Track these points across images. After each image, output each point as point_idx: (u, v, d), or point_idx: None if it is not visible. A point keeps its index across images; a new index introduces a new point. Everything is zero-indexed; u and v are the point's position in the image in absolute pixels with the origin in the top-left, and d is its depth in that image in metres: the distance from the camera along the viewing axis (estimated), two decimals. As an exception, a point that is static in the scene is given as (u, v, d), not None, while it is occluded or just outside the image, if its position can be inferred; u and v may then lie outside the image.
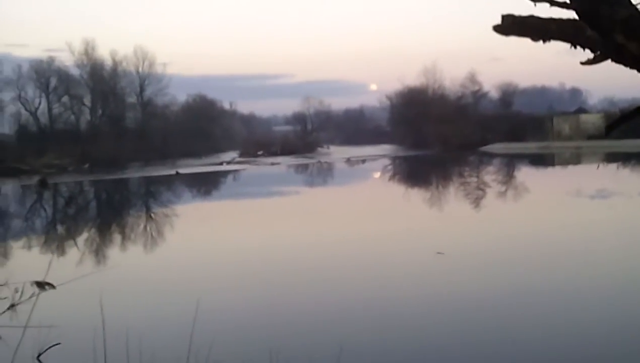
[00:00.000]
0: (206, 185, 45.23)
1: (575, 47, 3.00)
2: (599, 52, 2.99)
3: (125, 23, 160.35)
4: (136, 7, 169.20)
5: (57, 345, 8.17)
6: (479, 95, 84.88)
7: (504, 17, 3.03)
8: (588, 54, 3.06)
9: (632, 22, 2.76)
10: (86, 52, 78.99)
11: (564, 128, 75.71)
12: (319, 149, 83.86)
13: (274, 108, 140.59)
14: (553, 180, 38.24)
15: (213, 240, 18.98)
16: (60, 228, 25.83)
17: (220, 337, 8.16)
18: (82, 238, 21.71)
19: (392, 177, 47.30)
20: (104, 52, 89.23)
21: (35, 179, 47.19)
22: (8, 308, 5.94)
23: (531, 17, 3.01)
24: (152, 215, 28.56)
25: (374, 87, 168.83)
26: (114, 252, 18.05)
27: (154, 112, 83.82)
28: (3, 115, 74.17)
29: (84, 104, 79.35)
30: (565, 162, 54.59)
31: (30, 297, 5.80)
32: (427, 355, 8.30)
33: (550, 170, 48.87)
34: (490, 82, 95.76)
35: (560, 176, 41.95)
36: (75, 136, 72.59)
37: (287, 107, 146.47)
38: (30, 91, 75.80)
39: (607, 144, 56.17)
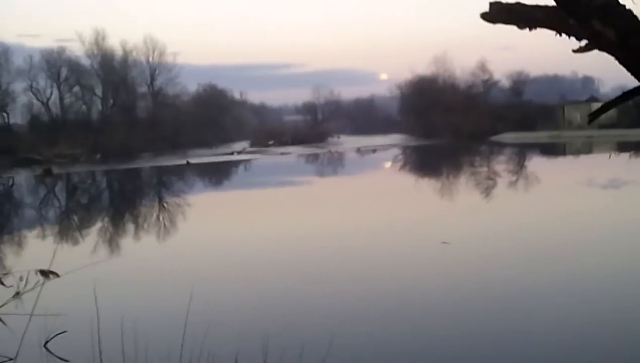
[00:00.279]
0: (217, 175, 45.46)
1: (560, 35, 2.99)
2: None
3: (135, 12, 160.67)
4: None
5: (64, 333, 8.28)
6: (489, 84, 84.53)
7: (491, 5, 2.99)
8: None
9: (609, 9, 2.76)
10: (96, 42, 79.40)
11: (575, 117, 75.27)
12: (330, 139, 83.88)
13: (285, 97, 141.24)
14: (564, 170, 38.08)
15: (223, 230, 19.11)
16: (70, 218, 26.14)
17: (237, 327, 8.28)
18: (92, 228, 21.97)
19: (402, 167, 47.33)
20: (114, 42, 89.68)
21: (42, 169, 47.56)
22: (13, 297, 6.05)
23: (517, 4, 2.98)
24: (164, 205, 28.81)
25: (384, 76, 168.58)
26: (123, 241, 18.29)
27: (165, 102, 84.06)
28: (15, 105, 74.73)
29: (95, 94, 79.75)
30: (577, 152, 54.34)
31: (35, 286, 5.93)
32: (420, 345, 8.39)
33: (561, 160, 48.69)
34: (501, 71, 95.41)
35: (572, 166, 41.80)
36: (87, 126, 73.06)
37: (298, 96, 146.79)
38: (42, 81, 76.39)
39: (619, 133, 55.91)
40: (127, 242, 18.28)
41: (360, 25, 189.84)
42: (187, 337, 5.09)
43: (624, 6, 2.84)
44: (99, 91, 79.93)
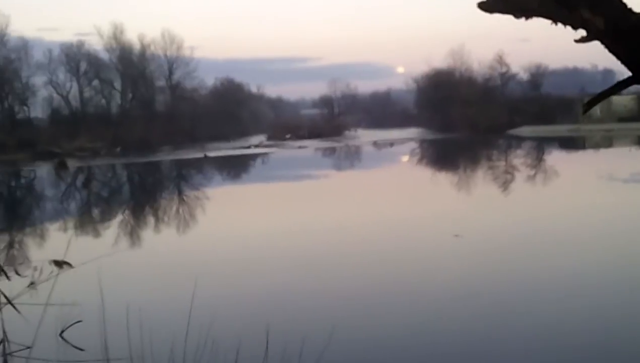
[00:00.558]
0: (235, 168, 45.75)
1: (556, 24, 2.98)
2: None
3: (153, 6, 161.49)
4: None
5: (80, 323, 8.41)
6: (507, 77, 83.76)
7: None
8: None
9: None
10: (115, 36, 79.98)
11: (595, 110, 74.19)
12: (346, 133, 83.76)
13: (302, 91, 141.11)
14: (583, 164, 37.71)
15: (240, 223, 19.27)
16: (89, 210, 26.54)
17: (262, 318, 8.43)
18: (110, 220, 22.32)
19: (419, 161, 47.23)
20: (132, 36, 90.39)
21: (56, 162, 48.15)
22: (28, 286, 6.19)
23: None
24: (183, 198, 29.13)
25: (401, 69, 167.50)
26: (139, 233, 18.59)
27: (183, 96, 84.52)
28: (36, 99, 75.65)
29: (114, 88, 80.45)
30: (596, 145, 53.72)
31: (50, 276, 6.06)
32: (425, 337, 8.47)
33: (580, 154, 48.21)
34: (520, 64, 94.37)
35: (591, 159, 41.34)
36: (107, 120, 73.80)
37: (315, 90, 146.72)
38: (62, 75, 77.17)
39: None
40: (143, 233, 18.57)
41: (377, 18, 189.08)
42: (194, 327, 5.22)
43: None
44: (117, 85, 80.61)
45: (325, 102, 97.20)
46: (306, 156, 54.64)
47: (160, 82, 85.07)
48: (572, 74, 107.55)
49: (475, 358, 7.64)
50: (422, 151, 57.04)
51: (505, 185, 27.29)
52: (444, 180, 30.98)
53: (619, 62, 3.04)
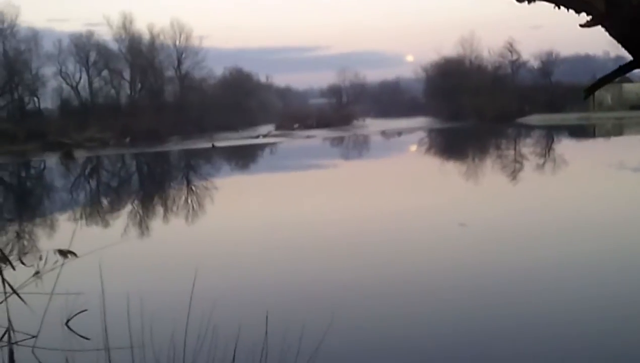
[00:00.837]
0: (242, 158, 45.83)
1: (559, 8, 2.93)
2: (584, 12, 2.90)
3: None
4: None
5: (86, 312, 8.45)
6: (517, 65, 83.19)
7: None
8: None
9: None
10: (124, 26, 80.00)
11: (605, 98, 73.79)
12: (355, 122, 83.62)
13: (310, 80, 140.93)
14: (593, 153, 37.47)
15: (246, 213, 19.35)
16: (97, 201, 26.71)
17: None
18: (118, 209, 22.47)
19: (428, 150, 47.12)
20: (141, 26, 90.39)
21: (68, 152, 48.27)
22: (33, 276, 6.22)
23: None
24: (190, 187, 29.26)
25: (410, 58, 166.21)
26: (145, 222, 18.71)
27: (192, 86, 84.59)
28: (45, 90, 75.93)
29: (123, 78, 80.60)
30: (607, 134, 53.33)
31: (55, 266, 6.09)
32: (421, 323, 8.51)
33: (590, 142, 47.90)
34: (530, 51, 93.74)
35: (601, 148, 41.10)
36: (116, 110, 74.00)
37: (324, 79, 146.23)
38: (71, 66, 77.36)
39: (651, 115, 54.71)
40: (149, 223, 18.69)
41: (387, 6, 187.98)
42: (197, 315, 5.28)
43: None
44: (127, 75, 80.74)
45: (334, 92, 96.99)
46: (314, 146, 54.63)
47: (169, 72, 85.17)
48: (584, 61, 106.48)
49: (477, 347, 7.67)
50: (430, 140, 56.89)
51: (513, 174, 27.20)
52: (451, 170, 30.90)
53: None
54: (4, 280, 5.34)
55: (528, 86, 78.14)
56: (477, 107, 73.02)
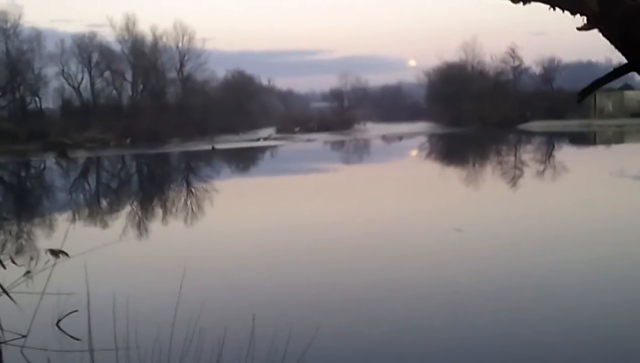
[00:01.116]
0: (242, 161, 45.78)
1: (554, 9, 2.90)
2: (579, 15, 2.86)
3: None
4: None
5: (79, 313, 8.42)
6: (519, 71, 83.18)
7: None
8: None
9: None
10: (127, 27, 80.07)
11: (607, 105, 73.73)
12: (356, 126, 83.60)
13: (313, 84, 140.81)
14: (594, 160, 37.42)
15: (242, 216, 19.32)
16: (93, 201, 26.69)
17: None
18: (114, 211, 22.45)
19: (428, 155, 47.08)
20: (144, 28, 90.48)
21: (72, 151, 48.37)
22: (24, 275, 6.17)
23: None
24: (189, 189, 29.23)
25: (412, 63, 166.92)
26: (141, 223, 18.67)
27: (194, 88, 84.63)
28: (47, 90, 76.00)
29: (125, 79, 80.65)
30: (607, 141, 53.26)
31: (47, 265, 6.04)
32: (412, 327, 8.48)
33: (591, 149, 47.85)
34: (533, 58, 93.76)
35: (602, 155, 41.05)
36: (117, 111, 74.01)
37: (326, 83, 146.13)
38: (73, 66, 77.44)
39: (652, 122, 54.63)
40: (143, 224, 18.64)
41: (389, 11, 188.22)
42: (186, 315, 5.28)
43: None
44: (129, 76, 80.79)
45: (335, 95, 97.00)
46: (314, 149, 54.61)
47: (172, 74, 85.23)
48: (586, 68, 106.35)
49: (469, 353, 7.63)
50: (431, 145, 56.86)
51: (513, 181, 27.16)
52: (451, 175, 30.87)
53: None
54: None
55: (530, 92, 78.11)
56: (478, 112, 73.00)
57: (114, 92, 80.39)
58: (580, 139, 55.96)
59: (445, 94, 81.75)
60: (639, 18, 2.74)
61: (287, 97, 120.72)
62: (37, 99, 74.82)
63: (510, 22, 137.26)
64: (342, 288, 10.42)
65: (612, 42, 2.89)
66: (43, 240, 15.79)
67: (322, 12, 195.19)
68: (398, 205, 19.79)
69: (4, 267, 6.66)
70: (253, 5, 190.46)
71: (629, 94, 75.43)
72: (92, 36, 78.23)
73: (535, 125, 68.26)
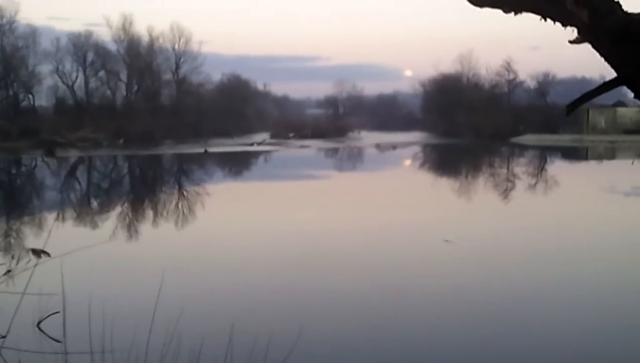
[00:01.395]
0: (232, 164, 45.64)
1: (545, 20, 2.86)
2: (569, 26, 2.82)
3: None
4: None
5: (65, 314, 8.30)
6: (514, 85, 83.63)
7: None
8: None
9: None
10: (124, 28, 79.92)
11: (599, 121, 74.15)
12: (350, 134, 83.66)
13: (309, 90, 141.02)
14: (585, 175, 37.54)
15: (230, 222, 19.12)
16: (84, 200, 26.51)
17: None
18: (105, 211, 22.28)
19: (421, 165, 47.12)
20: (141, 28, 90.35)
21: (68, 151, 48.13)
22: (5, 274, 6.04)
23: None
24: (177, 192, 29.09)
25: (409, 72, 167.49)
26: (127, 225, 18.52)
27: (189, 90, 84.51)
28: (41, 87, 75.64)
29: (120, 79, 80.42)
30: (599, 157, 53.54)
31: (28, 265, 5.94)
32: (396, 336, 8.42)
33: (583, 165, 48.04)
34: (528, 72, 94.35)
35: (593, 171, 41.19)
36: (111, 111, 73.72)
37: (322, 90, 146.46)
38: (68, 65, 77.15)
39: (643, 140, 54.95)
40: (130, 225, 18.48)
41: (388, 21, 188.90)
42: (164, 320, 5.19)
43: None
44: (124, 76, 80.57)
45: (331, 103, 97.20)
46: (308, 156, 54.57)
47: (167, 76, 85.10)
48: (580, 83, 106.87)
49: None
50: (424, 155, 56.95)
51: (504, 193, 27.19)
52: (443, 186, 30.87)
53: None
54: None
55: (523, 106, 78.52)
56: (472, 124, 73.28)
57: (108, 91, 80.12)
58: (573, 153, 56.21)
59: (440, 105, 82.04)
60: (629, 30, 2.68)
61: (282, 102, 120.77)
62: (30, 96, 74.46)
63: (507, 36, 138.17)
64: (323, 297, 10.32)
65: (601, 54, 2.84)
66: (28, 239, 15.61)
67: (321, 19, 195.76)
68: (388, 214, 19.73)
69: (-15, 265, 6.56)
70: (252, 10, 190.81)
71: (621, 110, 75.90)
72: (88, 35, 78.07)
73: (528, 139, 68.55)
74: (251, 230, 16.74)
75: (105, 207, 23.88)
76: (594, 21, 2.75)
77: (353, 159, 51.28)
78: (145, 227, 18.49)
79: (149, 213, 22.33)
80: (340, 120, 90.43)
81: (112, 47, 79.45)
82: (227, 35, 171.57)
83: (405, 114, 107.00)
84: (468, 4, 3.05)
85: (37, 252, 6.28)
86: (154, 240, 16.19)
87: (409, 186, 30.56)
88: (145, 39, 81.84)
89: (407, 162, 48.62)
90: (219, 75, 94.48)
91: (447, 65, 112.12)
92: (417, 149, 62.43)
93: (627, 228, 17.11)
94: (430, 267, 12.43)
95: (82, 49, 77.26)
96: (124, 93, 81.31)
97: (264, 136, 77.25)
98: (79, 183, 34.28)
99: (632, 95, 3.10)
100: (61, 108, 73.97)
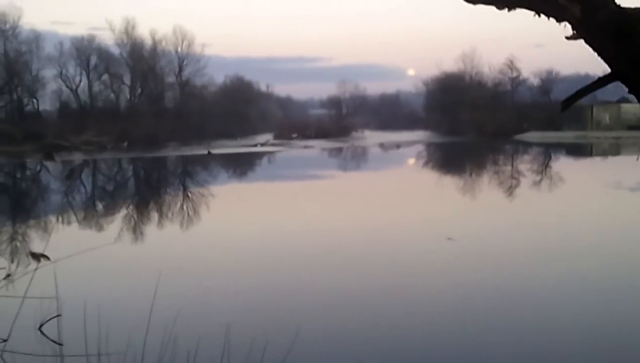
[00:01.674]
0: (235, 166, 45.67)
1: (539, 16, 2.84)
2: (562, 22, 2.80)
3: (166, 3, 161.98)
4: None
5: (69, 318, 8.28)
6: (517, 82, 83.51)
7: None
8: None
9: None
10: (126, 31, 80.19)
11: (603, 117, 73.92)
12: (353, 133, 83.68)
13: (312, 91, 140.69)
14: (590, 171, 37.41)
15: (234, 222, 19.12)
16: (88, 204, 26.54)
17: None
18: (109, 213, 22.30)
19: (425, 164, 47.04)
20: (144, 32, 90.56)
21: (73, 156, 48.28)
22: (5, 278, 6.04)
23: None
24: (180, 193, 29.10)
25: (411, 72, 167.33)
26: (129, 227, 18.53)
27: (192, 93, 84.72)
28: (45, 92, 75.94)
29: (123, 83, 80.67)
30: (604, 153, 53.37)
31: (27, 270, 5.94)
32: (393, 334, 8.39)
33: (587, 161, 47.88)
34: (531, 69, 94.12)
35: (598, 167, 41.05)
36: (115, 114, 73.97)
37: (325, 90, 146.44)
38: (72, 69, 77.45)
39: (649, 135, 54.77)
40: (132, 228, 18.47)
41: (390, 20, 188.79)
42: (161, 322, 5.18)
43: None
44: (127, 80, 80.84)
45: (334, 103, 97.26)
46: (311, 156, 54.56)
47: (170, 78, 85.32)
48: (583, 81, 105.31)
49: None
50: (428, 154, 56.86)
51: (509, 190, 27.11)
52: (447, 184, 30.80)
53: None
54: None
55: (527, 103, 78.40)
56: (476, 122, 73.21)
57: (112, 95, 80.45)
58: (577, 150, 56.02)
59: (443, 104, 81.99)
60: (622, 25, 2.65)
61: (285, 103, 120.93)
62: (34, 100, 74.80)
63: (509, 34, 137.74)
64: (323, 297, 10.24)
65: (595, 49, 2.81)
66: (31, 242, 15.62)
67: (323, 19, 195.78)
68: (393, 213, 19.68)
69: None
70: (254, 12, 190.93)
71: (626, 106, 75.59)
72: (91, 39, 78.41)
73: (532, 136, 68.40)
74: (256, 231, 16.71)
75: (109, 210, 23.91)
76: (587, 16, 2.72)
77: (357, 159, 51.24)
78: (150, 229, 18.49)
79: (154, 215, 22.34)
80: (343, 120, 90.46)
81: (115, 50, 79.86)
82: (229, 38, 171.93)
83: (408, 113, 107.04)
84: (465, 2, 3.03)
85: (37, 256, 6.28)
86: (158, 243, 16.17)
87: (413, 185, 30.52)
88: (148, 42, 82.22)
89: (411, 161, 48.55)
90: (222, 77, 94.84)
91: (449, 63, 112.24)
92: (420, 147, 62.34)
93: (633, 224, 17.03)
94: (434, 265, 12.39)
95: (86, 53, 77.56)
96: (128, 96, 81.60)
97: (267, 137, 77.31)
98: (84, 186, 34.34)
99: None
100: (65, 112, 74.28)
